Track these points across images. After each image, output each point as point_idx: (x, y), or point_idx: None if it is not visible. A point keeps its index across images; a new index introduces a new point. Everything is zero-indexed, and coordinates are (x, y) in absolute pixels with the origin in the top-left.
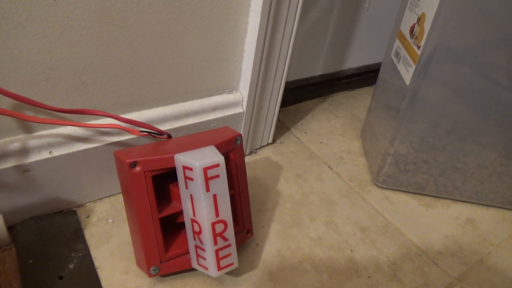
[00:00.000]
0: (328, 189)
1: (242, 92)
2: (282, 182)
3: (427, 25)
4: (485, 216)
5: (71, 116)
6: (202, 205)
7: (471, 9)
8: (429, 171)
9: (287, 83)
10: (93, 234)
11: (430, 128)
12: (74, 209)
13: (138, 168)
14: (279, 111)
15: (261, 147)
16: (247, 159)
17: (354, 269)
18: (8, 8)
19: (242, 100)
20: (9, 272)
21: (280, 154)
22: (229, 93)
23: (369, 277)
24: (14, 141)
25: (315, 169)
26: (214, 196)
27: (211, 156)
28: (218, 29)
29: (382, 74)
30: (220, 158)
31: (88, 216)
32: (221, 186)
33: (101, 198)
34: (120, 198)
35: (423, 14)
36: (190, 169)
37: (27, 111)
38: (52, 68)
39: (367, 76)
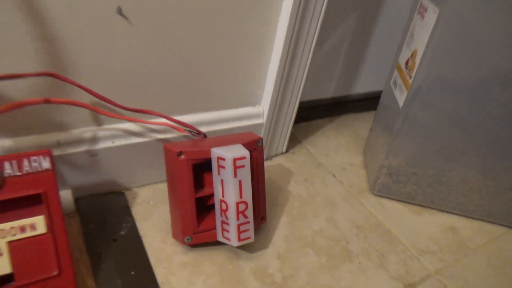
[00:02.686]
0: (331, 192)
1: (264, 106)
2: (292, 184)
3: (417, 59)
4: (466, 225)
5: (133, 114)
6: (230, 188)
7: (454, 48)
8: (418, 182)
9: (301, 103)
10: (138, 211)
11: (419, 146)
12: (123, 191)
13: (183, 157)
14: (293, 126)
15: (275, 155)
16: None
17: (348, 256)
18: (102, 30)
19: (263, 113)
20: (74, 233)
21: (291, 162)
22: (252, 107)
23: (359, 263)
24: (87, 131)
25: (321, 176)
26: (240, 182)
27: (239, 150)
28: (248, 57)
29: (382, 99)
30: (246, 153)
31: (134, 198)
32: (246, 175)
33: (144, 185)
34: (158, 185)
35: (415, 51)
36: (223, 159)
37: (101, 108)
38: (125, 77)
39: (371, 101)
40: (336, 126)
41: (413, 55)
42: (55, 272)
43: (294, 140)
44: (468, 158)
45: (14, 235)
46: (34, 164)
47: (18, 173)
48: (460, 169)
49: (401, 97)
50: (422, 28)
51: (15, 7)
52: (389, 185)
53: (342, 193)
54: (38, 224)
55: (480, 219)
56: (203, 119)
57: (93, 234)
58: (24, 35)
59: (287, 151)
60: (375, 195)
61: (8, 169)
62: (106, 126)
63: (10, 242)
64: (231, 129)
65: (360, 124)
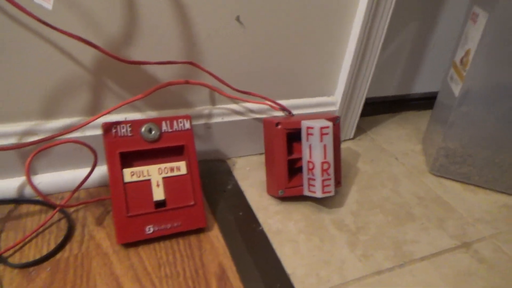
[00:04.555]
0: (394, 171)
1: (337, 96)
2: (360, 163)
3: (470, 57)
4: None
5: (241, 95)
6: (317, 150)
7: (501, 47)
8: (473, 164)
9: (367, 99)
10: (238, 174)
11: (473, 131)
12: (225, 160)
13: (280, 126)
14: (359, 119)
15: (344, 140)
16: None
17: (411, 218)
18: (224, 32)
19: (336, 102)
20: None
21: (358, 146)
22: (328, 96)
23: (422, 223)
24: (205, 109)
25: (385, 159)
26: (324, 146)
27: (324, 122)
28: (326, 54)
29: (439, 96)
30: (330, 123)
31: (233, 165)
32: (329, 140)
33: (240, 156)
34: (252, 157)
35: (469, 49)
36: (312, 128)
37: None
38: (238, 67)
39: (429, 101)
40: (398, 121)
41: (466, 53)
42: (192, 202)
43: (360, 130)
44: None
45: (166, 173)
46: (180, 124)
47: (170, 130)
48: (510, 152)
49: (456, 88)
50: (474, 31)
51: (170, 17)
52: (447, 166)
53: (404, 172)
54: (181, 167)
55: None
56: (288, 104)
57: (208, 186)
58: (172, 35)
59: (354, 137)
60: (434, 175)
61: (164, 127)
62: (218, 106)
63: (164, 178)
64: (310, 113)
65: (419, 120)
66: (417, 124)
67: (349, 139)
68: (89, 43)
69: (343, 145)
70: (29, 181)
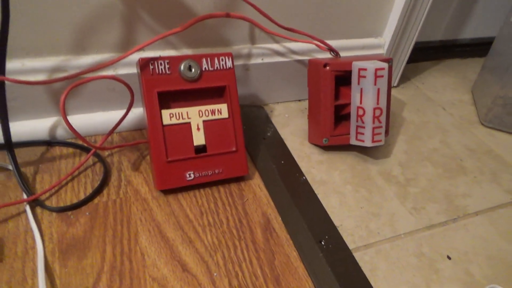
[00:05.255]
0: (442, 121)
1: (386, 38)
2: (405, 112)
3: None
4: None
5: (284, 32)
6: (370, 94)
7: None
8: None
9: None
10: (277, 121)
11: None
12: (263, 106)
13: (328, 68)
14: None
15: None
16: None
17: (463, 171)
18: None
19: (384, 45)
20: None
21: (403, 94)
22: (375, 38)
23: (474, 177)
24: (244, 48)
25: (431, 108)
26: (378, 90)
27: (379, 63)
28: None
29: (498, 38)
30: (386, 64)
31: (271, 111)
32: (384, 84)
33: (278, 102)
34: (290, 104)
35: None
36: (365, 69)
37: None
38: (285, 1)
39: (478, 48)
40: (443, 68)
41: None
42: (234, 148)
43: (404, 77)
44: None
45: (207, 116)
46: (222, 62)
47: (211, 69)
48: None
49: None
50: None
51: None
52: (502, 117)
53: (453, 122)
54: (223, 110)
55: None
56: (335, 45)
57: (247, 133)
58: None
59: (398, 85)
60: (486, 126)
61: (204, 65)
62: (258, 45)
63: (204, 121)
64: (356, 55)
65: (466, 68)
66: (464, 73)
67: (394, 87)
68: None
69: None
70: (65, 119)
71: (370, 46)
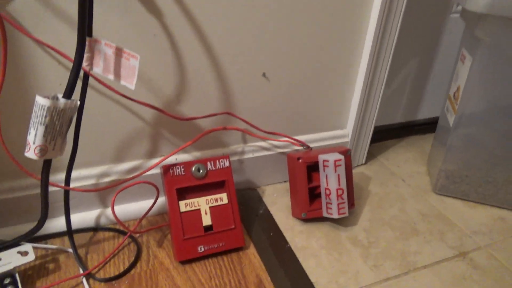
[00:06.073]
0: (401, 192)
1: (348, 129)
2: (371, 185)
3: (461, 92)
4: None
5: (267, 135)
6: (332, 179)
7: (484, 84)
8: (470, 183)
9: (376, 127)
10: (267, 200)
11: (467, 154)
12: (255, 188)
13: (301, 160)
14: (369, 145)
15: (357, 165)
16: None
17: (416, 233)
18: (252, 86)
19: (348, 134)
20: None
21: (369, 170)
22: (340, 130)
23: (424, 237)
24: (239, 147)
25: (393, 181)
26: (338, 175)
27: (337, 155)
28: (337, 95)
29: (439, 122)
30: (342, 156)
31: (263, 192)
32: (342, 170)
33: (268, 185)
34: (277, 185)
35: (459, 86)
36: (327, 161)
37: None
38: (263, 112)
39: (433, 125)
40: (405, 145)
41: (458, 89)
42: (233, 226)
43: (371, 155)
44: (509, 162)
45: (212, 203)
46: (221, 163)
47: (214, 168)
48: (503, 172)
49: (451, 119)
50: (463, 70)
51: (211, 77)
52: (447, 186)
53: (410, 192)
54: (223, 198)
55: None
56: (306, 139)
57: (243, 212)
58: (214, 92)
59: (365, 163)
60: (437, 193)
61: (209, 166)
62: (249, 144)
63: (210, 207)
64: (326, 145)
65: (424, 143)
66: (422, 147)
67: (362, 164)
68: (156, 108)
69: (357, 170)
70: (114, 214)
71: (337, 136)
